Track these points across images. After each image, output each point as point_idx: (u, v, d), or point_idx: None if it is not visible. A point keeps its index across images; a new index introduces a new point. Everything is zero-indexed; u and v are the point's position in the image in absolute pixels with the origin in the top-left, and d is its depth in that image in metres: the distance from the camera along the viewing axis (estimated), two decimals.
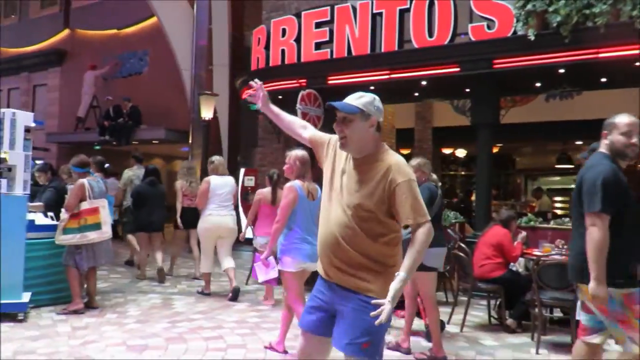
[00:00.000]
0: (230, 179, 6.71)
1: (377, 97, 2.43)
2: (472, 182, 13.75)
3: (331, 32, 8.05)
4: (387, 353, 4.20)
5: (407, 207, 2.26)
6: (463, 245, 5.73)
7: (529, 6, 6.09)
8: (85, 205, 5.41)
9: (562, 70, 6.59)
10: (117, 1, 15.16)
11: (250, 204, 6.93)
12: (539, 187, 11.54)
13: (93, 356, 4.12)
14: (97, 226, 5.43)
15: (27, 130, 5.31)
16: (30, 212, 5.65)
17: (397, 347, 4.53)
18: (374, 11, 7.59)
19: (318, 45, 8.21)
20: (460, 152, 13.22)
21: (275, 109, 2.78)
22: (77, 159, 5.64)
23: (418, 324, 5.00)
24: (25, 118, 5.34)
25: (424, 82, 7.68)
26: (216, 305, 5.95)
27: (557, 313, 5.52)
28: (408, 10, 7.26)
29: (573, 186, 3.14)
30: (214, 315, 5.53)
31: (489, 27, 6.62)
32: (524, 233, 5.58)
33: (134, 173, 8.65)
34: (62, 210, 5.48)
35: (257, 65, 9.09)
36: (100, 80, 14.81)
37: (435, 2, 7.04)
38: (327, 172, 2.52)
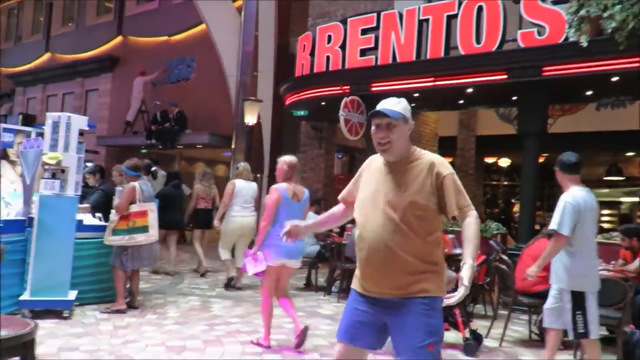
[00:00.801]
0: (253, 184, 7.17)
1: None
2: (515, 193, 13.38)
3: (376, 38, 8.02)
4: None
5: (455, 198, 2.39)
6: (505, 257, 5.55)
7: (583, 12, 5.88)
8: (134, 208, 5.53)
9: (615, 78, 6.33)
10: (167, 9, 15.61)
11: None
12: None
13: (133, 355, 4.18)
14: (144, 229, 5.54)
15: (81, 133, 5.45)
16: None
17: None
18: (421, 17, 7.52)
19: (363, 52, 8.20)
20: (504, 162, 12.89)
21: (314, 222, 2.94)
22: (131, 162, 5.76)
23: (455, 336, 4.88)
24: (80, 122, 5.48)
25: (469, 90, 7.54)
26: (253, 310, 5.95)
27: (603, 332, 5.25)
28: (455, 16, 7.15)
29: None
30: (251, 319, 5.55)
31: (539, 33, 6.45)
32: None
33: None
34: (112, 211, 5.62)
35: (302, 71, 9.14)
36: (149, 86, 15.19)
37: (484, 8, 6.90)
38: (359, 195, 2.56)
